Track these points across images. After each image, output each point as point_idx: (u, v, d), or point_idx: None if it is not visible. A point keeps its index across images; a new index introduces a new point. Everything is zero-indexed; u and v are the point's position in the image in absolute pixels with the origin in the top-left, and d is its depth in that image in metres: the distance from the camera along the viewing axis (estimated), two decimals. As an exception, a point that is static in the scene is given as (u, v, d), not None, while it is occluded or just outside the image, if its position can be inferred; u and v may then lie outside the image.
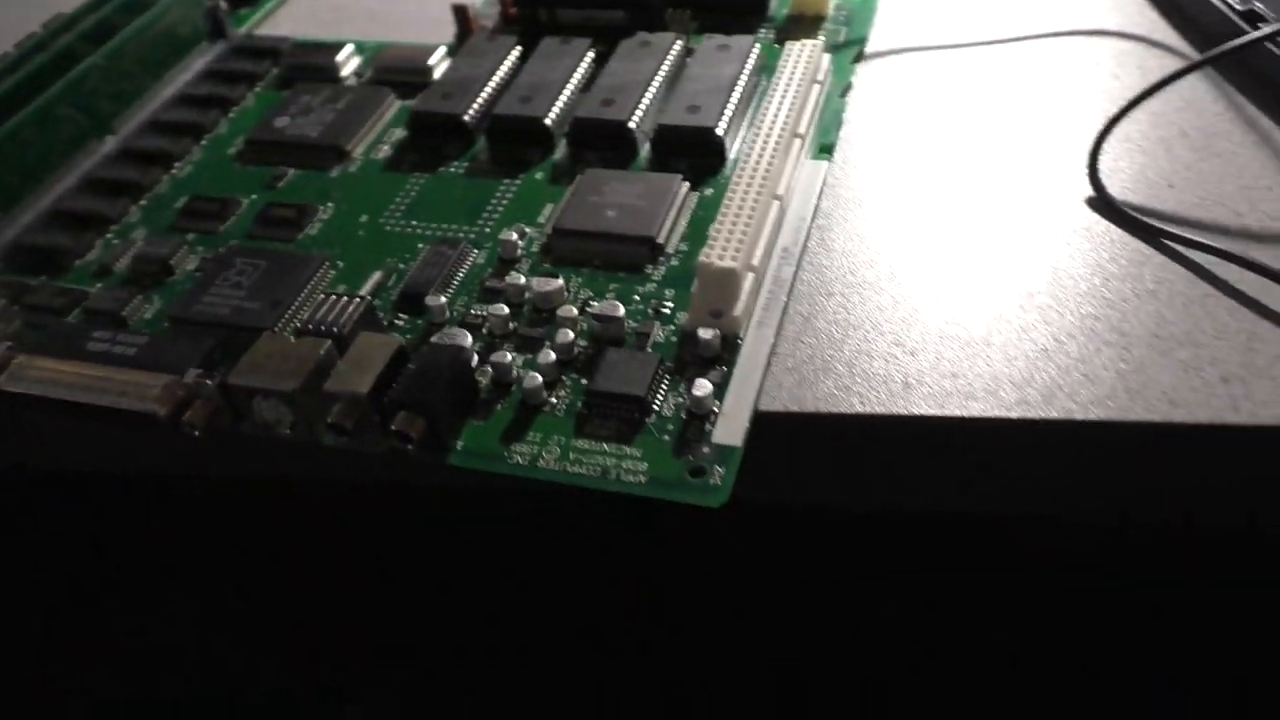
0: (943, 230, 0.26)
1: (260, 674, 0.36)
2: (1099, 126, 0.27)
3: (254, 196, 0.30)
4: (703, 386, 0.22)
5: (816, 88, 0.29)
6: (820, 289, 0.25)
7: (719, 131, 0.28)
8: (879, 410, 0.22)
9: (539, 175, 0.29)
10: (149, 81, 0.33)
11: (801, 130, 0.28)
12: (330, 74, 0.34)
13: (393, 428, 0.22)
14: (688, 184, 0.27)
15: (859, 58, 0.32)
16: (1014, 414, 0.21)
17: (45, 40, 0.32)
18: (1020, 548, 0.28)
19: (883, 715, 0.31)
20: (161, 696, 0.37)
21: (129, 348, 0.24)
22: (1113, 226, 0.25)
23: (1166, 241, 0.24)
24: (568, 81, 0.31)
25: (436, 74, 0.33)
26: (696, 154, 0.29)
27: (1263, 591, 0.27)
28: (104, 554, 0.35)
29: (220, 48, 0.35)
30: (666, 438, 0.22)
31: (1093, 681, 0.29)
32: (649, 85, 0.30)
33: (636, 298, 0.25)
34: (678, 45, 0.32)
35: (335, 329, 0.24)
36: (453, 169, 0.30)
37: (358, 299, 0.24)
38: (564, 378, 0.23)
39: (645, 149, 0.29)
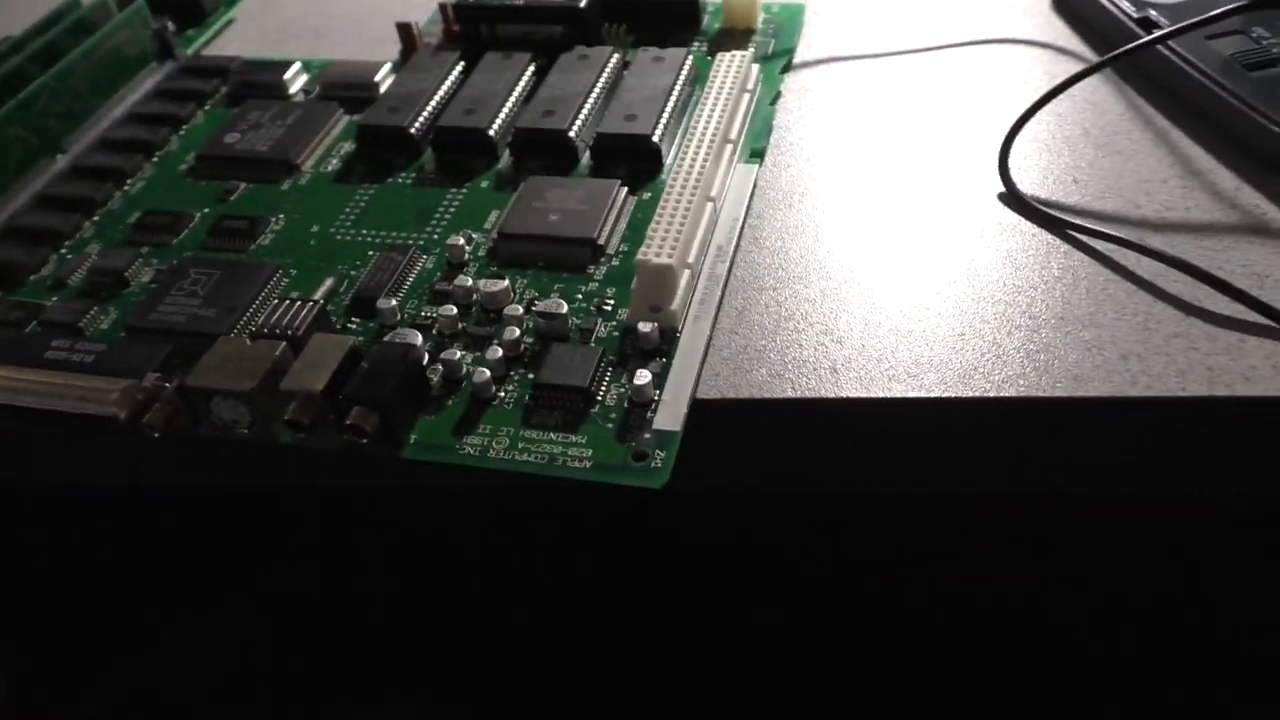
0: (867, 227, 0.27)
1: (218, 676, 0.36)
2: (1008, 127, 0.29)
3: (206, 210, 0.31)
4: (643, 376, 0.23)
5: (746, 96, 0.31)
6: (753, 284, 0.26)
7: (655, 138, 0.30)
8: (809, 394, 0.23)
9: (484, 184, 0.30)
10: (99, 101, 0.34)
11: (733, 136, 0.29)
12: (279, 91, 0.35)
13: (348, 423, 0.23)
14: (626, 188, 0.29)
15: (787, 68, 0.34)
16: (934, 393, 0.23)
17: (-6, 62, 0.32)
18: (946, 521, 0.29)
19: (828, 693, 0.32)
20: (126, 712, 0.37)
21: (87, 355, 0.25)
22: (1022, 219, 0.27)
23: (1071, 232, 0.26)
24: (510, 94, 0.32)
25: (383, 89, 0.34)
26: (634, 160, 0.30)
27: (1158, 551, 0.29)
28: (71, 563, 0.36)
29: (169, 68, 0.36)
30: (610, 425, 0.23)
31: (1024, 645, 0.31)
32: (588, 96, 0.31)
33: (579, 296, 0.26)
34: (614, 58, 0.33)
35: (290, 331, 0.25)
36: (400, 179, 0.31)
37: (311, 303, 0.25)
38: (512, 373, 0.24)
39: (585, 156, 0.31)
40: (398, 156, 0.32)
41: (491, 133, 0.31)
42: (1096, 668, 0.30)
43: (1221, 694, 0.30)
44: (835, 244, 0.27)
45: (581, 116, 0.31)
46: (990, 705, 0.32)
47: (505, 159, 0.31)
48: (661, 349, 0.24)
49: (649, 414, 0.23)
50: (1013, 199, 0.27)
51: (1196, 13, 0.30)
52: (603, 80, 0.32)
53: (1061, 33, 0.34)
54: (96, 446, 0.27)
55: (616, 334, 0.25)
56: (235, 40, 0.39)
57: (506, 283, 0.26)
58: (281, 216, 0.30)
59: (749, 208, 0.28)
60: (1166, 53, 0.30)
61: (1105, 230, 0.26)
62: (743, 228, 0.28)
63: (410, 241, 0.29)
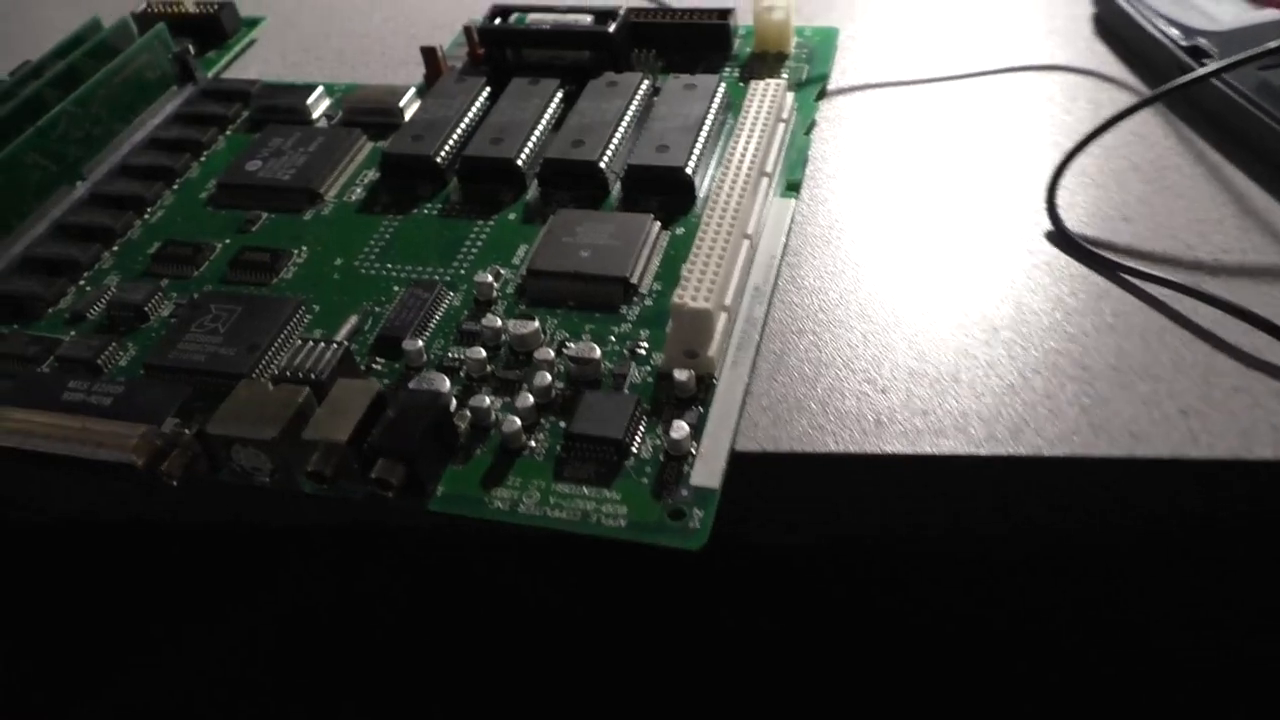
0: (909, 266, 0.26)
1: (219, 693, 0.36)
2: (1053, 160, 0.28)
3: (227, 240, 0.30)
4: (680, 429, 0.22)
5: (781, 126, 0.30)
6: (791, 326, 0.25)
7: (688, 170, 0.29)
8: (853, 449, 0.22)
9: (512, 215, 0.30)
10: (119, 126, 0.33)
11: (769, 169, 0.28)
12: (301, 116, 0.34)
13: (373, 475, 0.22)
14: (659, 223, 0.28)
15: (822, 94, 0.33)
16: (983, 450, 0.22)
17: (13, 88, 0.32)
18: (996, 577, 0.28)
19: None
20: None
21: (104, 397, 0.24)
22: (1071, 260, 0.26)
23: (1123, 275, 0.25)
24: (537, 122, 0.31)
25: (407, 115, 0.33)
26: (666, 192, 0.29)
27: (1209, 608, 0.28)
28: (80, 600, 0.35)
29: (189, 91, 0.35)
30: (645, 480, 0.22)
31: (1073, 697, 0.30)
32: (618, 125, 0.31)
33: (612, 338, 0.25)
34: (644, 85, 0.32)
35: (313, 375, 0.24)
36: (425, 210, 0.30)
37: (335, 345, 0.24)
38: (542, 420, 0.24)
39: (616, 188, 0.30)
40: (423, 186, 0.31)
41: (519, 163, 0.30)
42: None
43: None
44: (876, 285, 0.26)
45: (612, 146, 0.30)
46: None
47: (533, 190, 0.30)
48: (698, 397, 0.23)
49: (685, 468, 0.22)
50: (1061, 238, 0.26)
51: (1246, 40, 0.29)
52: (633, 108, 0.31)
53: (1105, 59, 0.33)
54: (111, 489, 0.26)
55: (651, 380, 0.24)
56: (256, 62, 0.39)
57: (536, 324, 0.25)
58: (304, 248, 0.29)
59: (786, 245, 0.27)
60: (1218, 84, 0.29)
61: (1160, 274, 0.25)
62: (780, 266, 0.27)
63: (436, 277, 0.28)
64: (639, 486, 0.22)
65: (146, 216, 0.31)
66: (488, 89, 0.33)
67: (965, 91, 0.32)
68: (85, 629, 0.36)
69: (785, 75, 0.33)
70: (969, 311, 0.25)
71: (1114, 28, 0.34)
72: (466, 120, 0.32)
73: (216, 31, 0.39)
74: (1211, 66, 0.28)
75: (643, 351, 0.25)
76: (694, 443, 0.22)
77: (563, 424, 0.23)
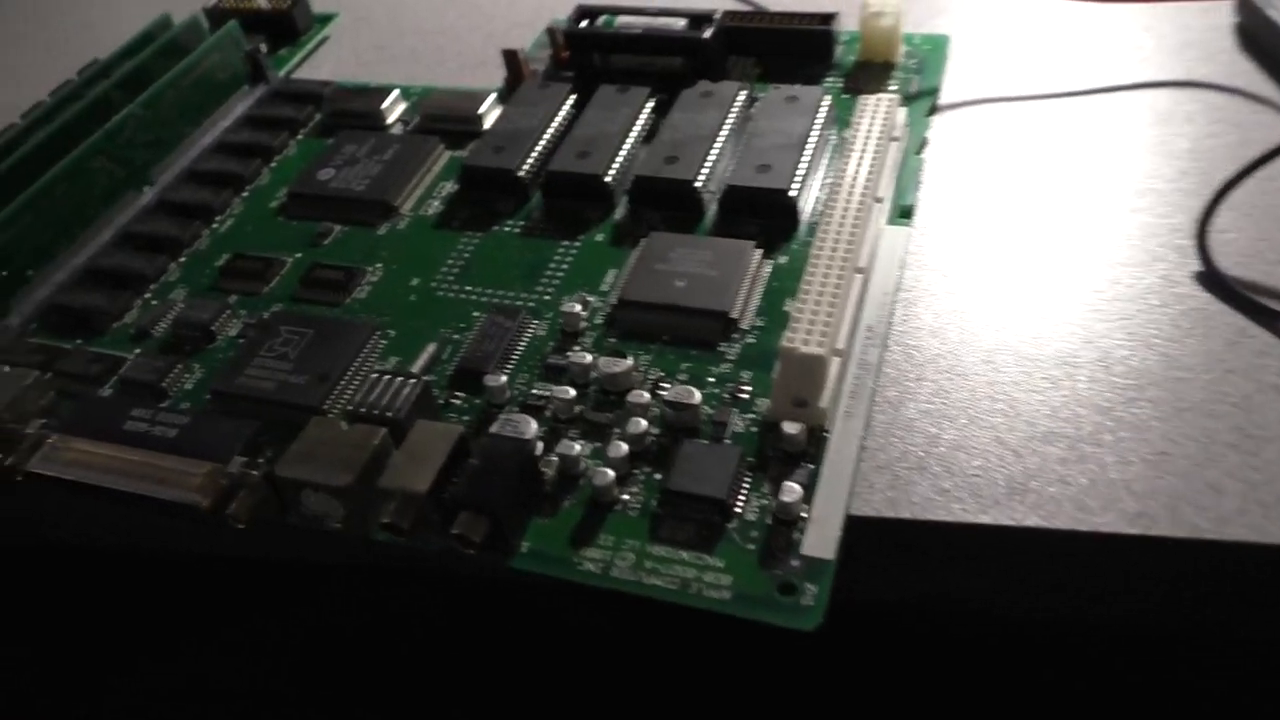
0: (1037, 308, 0.24)
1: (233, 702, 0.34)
2: (1197, 188, 0.25)
3: (298, 255, 0.28)
4: (791, 491, 0.20)
5: (894, 145, 0.27)
6: (909, 373, 0.23)
7: (792, 193, 0.27)
8: (982, 520, 0.20)
9: (599, 237, 0.28)
10: (188, 129, 0.32)
11: (881, 194, 0.26)
12: (375, 121, 0.32)
13: (454, 531, 0.20)
14: (760, 251, 0.26)
15: (933, 110, 0.30)
16: (1135, 530, 0.19)
17: (80, 88, 0.30)
18: (1144, 665, 0.26)
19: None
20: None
21: (169, 428, 0.23)
22: (1227, 308, 0.23)
23: (1287, 326, 0.23)
24: (627, 134, 0.29)
25: (486, 123, 0.31)
26: (767, 216, 0.27)
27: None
28: (126, 626, 0.34)
29: (261, 92, 0.34)
30: (751, 546, 0.20)
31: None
32: (714, 140, 0.28)
33: (711, 379, 0.23)
34: (742, 95, 0.30)
35: (390, 414, 0.22)
36: (507, 228, 0.28)
37: (413, 380, 0.23)
38: (636, 471, 0.22)
39: (712, 209, 0.28)
40: (504, 201, 0.29)
41: (608, 179, 0.28)
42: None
43: None
44: (1001, 327, 0.24)
45: (708, 164, 0.28)
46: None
47: (622, 208, 0.28)
48: (808, 452, 0.21)
49: (795, 534, 0.20)
50: (1214, 282, 0.24)
51: None
52: (730, 121, 0.29)
53: (1252, 76, 0.30)
54: (172, 527, 0.25)
55: (755, 430, 0.22)
56: (329, 61, 0.37)
57: (630, 362, 0.23)
58: (379, 265, 0.28)
59: (900, 279, 0.25)
60: (1388, 109, 0.26)
61: (1330, 327, 0.22)
62: (894, 304, 0.24)
63: (520, 303, 0.26)
64: (744, 553, 0.20)
65: (215, 226, 0.30)
66: (573, 97, 0.31)
67: (1092, 109, 0.30)
68: (111, 642, 0.35)
69: (894, 88, 0.31)
70: (1110, 364, 0.22)
71: (1260, 40, 0.31)
72: (551, 131, 0.30)
73: (289, 28, 0.37)
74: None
75: (745, 396, 0.23)
76: (805, 506, 0.20)
77: (658, 475, 0.21)
